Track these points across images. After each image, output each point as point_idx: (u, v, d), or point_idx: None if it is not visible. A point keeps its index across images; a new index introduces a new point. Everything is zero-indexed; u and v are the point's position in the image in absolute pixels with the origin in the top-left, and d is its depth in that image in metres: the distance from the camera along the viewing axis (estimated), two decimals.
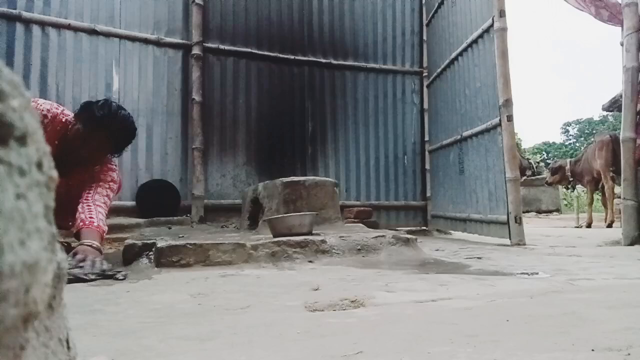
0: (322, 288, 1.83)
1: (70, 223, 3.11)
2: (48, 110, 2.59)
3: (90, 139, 2.55)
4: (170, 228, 4.24)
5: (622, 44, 4.28)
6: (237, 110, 5.46)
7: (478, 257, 3.01)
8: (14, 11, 4.35)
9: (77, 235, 2.47)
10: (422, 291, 1.73)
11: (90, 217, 2.47)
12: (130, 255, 2.59)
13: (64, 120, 2.63)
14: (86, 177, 2.76)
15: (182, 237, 3.12)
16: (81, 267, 2.12)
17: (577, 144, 40.46)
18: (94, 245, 2.32)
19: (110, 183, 2.77)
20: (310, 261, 2.58)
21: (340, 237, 2.82)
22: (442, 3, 5.69)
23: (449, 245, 4.03)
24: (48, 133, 2.52)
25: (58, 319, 0.41)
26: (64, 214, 2.95)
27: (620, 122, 4.36)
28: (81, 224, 2.44)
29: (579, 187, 10.09)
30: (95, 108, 2.57)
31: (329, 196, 3.57)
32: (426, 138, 6.24)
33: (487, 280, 2.00)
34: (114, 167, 2.86)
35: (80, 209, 2.53)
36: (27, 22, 4.41)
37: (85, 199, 2.60)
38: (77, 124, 2.57)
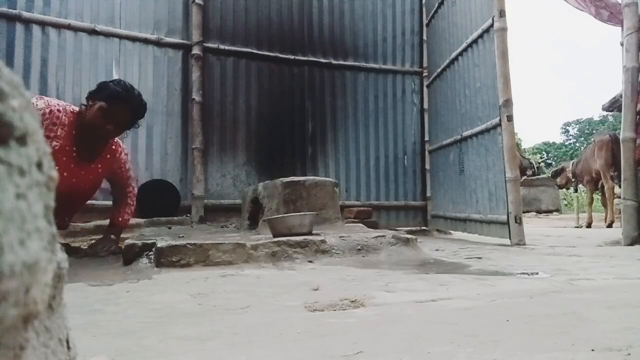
0: (322, 288, 1.83)
1: (67, 221, 3.26)
2: (58, 104, 2.79)
3: (114, 112, 2.77)
4: (170, 228, 4.24)
5: (622, 44, 4.28)
6: (237, 110, 5.45)
7: (478, 257, 3.01)
8: (14, 11, 4.35)
9: (110, 225, 3.20)
10: (422, 291, 1.73)
11: (119, 212, 3.20)
12: (130, 255, 2.59)
13: (72, 110, 2.82)
14: (96, 176, 3.00)
15: (182, 237, 3.12)
16: (97, 249, 2.98)
17: (577, 144, 40.49)
18: (112, 238, 3.12)
19: (126, 165, 3.17)
20: (310, 261, 2.58)
21: (340, 237, 2.82)
22: (442, 3, 5.69)
23: (449, 245, 4.03)
24: (67, 126, 2.76)
25: (58, 319, 0.41)
26: (64, 214, 3.04)
27: (620, 122, 4.36)
28: (121, 217, 3.20)
29: (579, 187, 10.14)
30: (112, 85, 2.83)
31: (329, 196, 3.57)
32: (426, 138, 6.23)
33: (487, 280, 2.00)
34: (123, 149, 3.17)
35: (115, 205, 3.24)
36: (27, 22, 4.41)
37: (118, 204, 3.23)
38: (98, 102, 2.76)
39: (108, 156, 3.03)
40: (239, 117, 5.46)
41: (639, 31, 4.09)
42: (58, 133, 2.72)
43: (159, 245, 2.47)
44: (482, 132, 4.61)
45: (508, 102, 4.14)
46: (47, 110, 2.67)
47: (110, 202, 4.52)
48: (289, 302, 1.58)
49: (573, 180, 9.27)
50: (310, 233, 2.89)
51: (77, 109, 2.86)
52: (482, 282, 1.93)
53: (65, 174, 2.79)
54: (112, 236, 3.13)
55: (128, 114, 2.84)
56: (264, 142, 5.57)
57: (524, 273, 2.26)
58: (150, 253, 2.56)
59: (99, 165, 2.98)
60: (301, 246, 2.65)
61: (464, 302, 1.51)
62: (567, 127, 44.93)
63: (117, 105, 2.77)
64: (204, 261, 2.46)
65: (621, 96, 4.32)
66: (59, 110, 2.73)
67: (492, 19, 4.29)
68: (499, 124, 4.21)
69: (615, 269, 2.30)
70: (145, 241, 2.66)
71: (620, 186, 4.49)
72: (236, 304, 1.56)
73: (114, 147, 3.05)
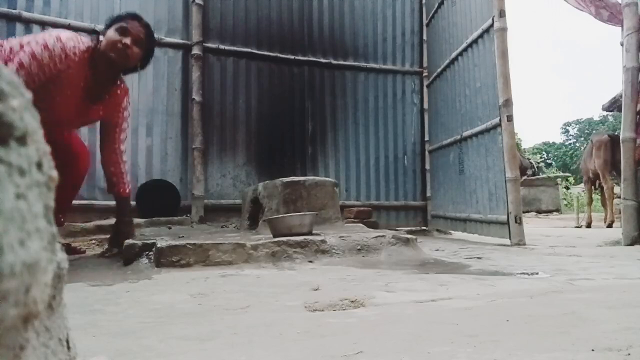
0: (322, 288, 1.83)
1: (62, 218, 3.21)
2: (79, 40, 2.71)
3: (129, 27, 2.78)
4: (170, 228, 4.24)
5: (622, 44, 4.28)
6: (237, 110, 5.45)
7: (478, 257, 3.00)
8: (14, 11, 4.34)
9: (119, 202, 3.07)
10: (422, 291, 1.73)
11: (124, 182, 3.03)
12: (130, 255, 2.59)
13: (85, 47, 2.72)
14: (96, 119, 2.96)
15: (182, 237, 3.12)
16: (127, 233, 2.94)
17: (577, 144, 40.53)
18: (126, 220, 3.07)
19: (125, 113, 3.04)
20: (310, 261, 2.58)
21: (340, 237, 2.82)
22: (442, 3, 5.69)
23: (449, 245, 4.03)
24: (82, 60, 2.66)
25: (58, 319, 0.41)
26: (59, 201, 3.03)
27: (620, 122, 4.36)
28: (120, 189, 3.02)
29: (579, 186, 10.14)
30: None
31: (329, 196, 3.57)
32: (426, 138, 6.23)
33: (487, 280, 2.00)
34: (127, 98, 3.06)
35: (112, 167, 3.00)
36: (27, 22, 4.40)
37: (112, 157, 3.01)
38: (112, 28, 2.76)
39: (112, 100, 2.93)
40: (239, 117, 5.46)
41: (639, 31, 4.09)
42: (71, 65, 2.63)
43: (159, 245, 2.47)
44: (482, 132, 4.61)
45: (508, 102, 4.14)
46: (60, 45, 2.57)
47: (109, 202, 4.54)
48: (289, 302, 1.58)
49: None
50: (310, 233, 2.89)
51: (92, 43, 2.79)
52: (482, 282, 1.93)
53: (73, 109, 2.71)
54: (127, 219, 3.08)
55: (142, 29, 2.83)
56: (264, 142, 5.57)
57: (524, 273, 2.26)
58: (150, 253, 2.56)
59: (101, 111, 2.90)
60: (301, 246, 2.65)
61: (464, 302, 1.51)
62: (567, 127, 44.96)
63: (130, 20, 2.81)
64: (204, 261, 2.46)
65: (621, 96, 4.32)
66: (74, 47, 2.64)
67: (492, 19, 4.29)
68: (499, 124, 4.21)
69: (615, 269, 2.30)
70: (145, 241, 2.66)
71: (619, 185, 4.49)
72: (236, 304, 1.56)
73: (119, 91, 2.97)
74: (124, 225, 3.07)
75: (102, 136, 3.06)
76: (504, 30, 4.22)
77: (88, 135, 4.56)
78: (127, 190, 3.07)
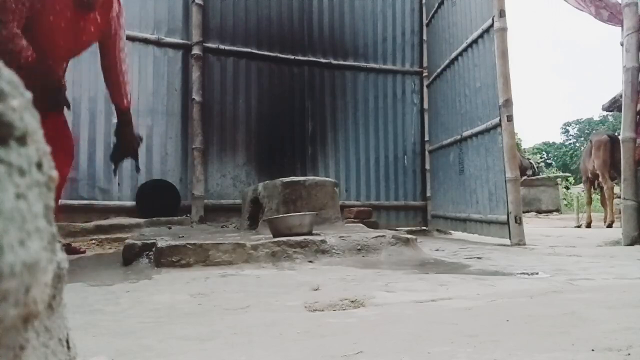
0: (322, 288, 1.83)
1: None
2: None
3: None
4: (170, 228, 4.24)
5: (622, 44, 4.28)
6: (237, 110, 5.45)
7: (478, 257, 3.00)
8: None
9: (118, 114, 3.31)
10: (422, 291, 1.73)
11: (122, 94, 3.21)
12: (130, 255, 2.59)
13: None
14: (95, 28, 2.89)
15: (182, 237, 3.12)
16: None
17: (577, 144, 40.49)
18: (128, 130, 3.33)
19: (120, 20, 3.06)
20: (310, 261, 2.58)
21: (340, 237, 2.82)
22: (442, 3, 5.69)
23: (449, 245, 4.03)
24: None
25: (58, 319, 0.41)
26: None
27: (620, 122, 4.36)
28: (118, 100, 3.24)
29: (579, 186, 10.12)
30: None
31: (329, 196, 3.57)
32: (426, 138, 6.23)
33: (487, 280, 2.00)
34: (121, 8, 3.08)
35: (113, 78, 3.18)
36: None
37: (113, 70, 3.15)
38: None
39: (105, 4, 2.86)
40: (239, 117, 5.46)
41: (639, 31, 4.09)
42: None
43: (159, 245, 2.47)
44: (482, 132, 4.61)
45: (508, 102, 4.14)
46: None
47: (109, 202, 4.55)
48: (289, 302, 1.58)
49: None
50: (310, 233, 2.89)
51: None
52: (482, 282, 1.93)
53: (70, 25, 2.63)
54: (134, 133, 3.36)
55: None
56: (264, 142, 5.57)
57: (524, 273, 2.26)
58: (150, 253, 2.56)
59: (98, 18, 2.83)
60: (301, 246, 2.65)
61: (464, 302, 1.51)
62: (567, 127, 44.91)
63: None
64: (204, 261, 2.46)
65: (621, 96, 4.32)
66: None
67: (492, 19, 4.29)
68: (499, 124, 4.21)
69: (615, 269, 2.30)
70: (145, 241, 2.66)
71: (619, 185, 4.49)
72: (236, 304, 1.56)
73: None
74: (125, 135, 3.31)
75: (101, 50, 3.12)
76: (504, 30, 4.22)
77: (88, 132, 4.58)
78: (126, 102, 3.27)
